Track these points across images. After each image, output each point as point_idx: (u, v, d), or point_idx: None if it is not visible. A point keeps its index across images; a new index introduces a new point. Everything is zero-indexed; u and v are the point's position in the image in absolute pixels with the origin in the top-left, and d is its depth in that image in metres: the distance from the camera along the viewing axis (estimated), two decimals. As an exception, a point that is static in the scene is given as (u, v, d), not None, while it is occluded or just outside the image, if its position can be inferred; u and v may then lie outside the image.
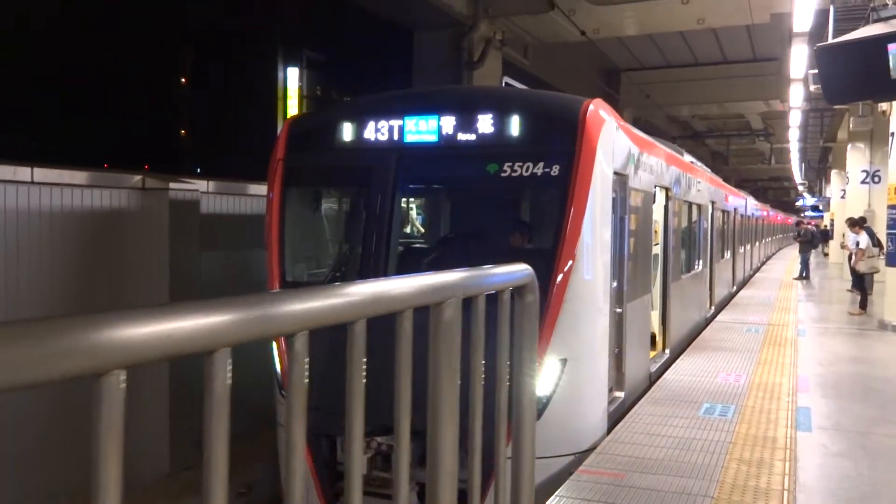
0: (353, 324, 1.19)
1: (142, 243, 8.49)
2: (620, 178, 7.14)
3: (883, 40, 6.00)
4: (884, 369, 9.16)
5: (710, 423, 6.65)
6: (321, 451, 6.56)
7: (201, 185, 9.36)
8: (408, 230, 7.79)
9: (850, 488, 5.20)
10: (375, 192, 6.70)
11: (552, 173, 6.27)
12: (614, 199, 6.94)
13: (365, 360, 1.32)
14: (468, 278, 1.57)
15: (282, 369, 6.91)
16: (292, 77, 52.83)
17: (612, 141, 6.62)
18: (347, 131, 6.95)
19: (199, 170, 44.07)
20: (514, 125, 6.45)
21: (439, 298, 1.42)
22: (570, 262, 6.10)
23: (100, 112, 45.85)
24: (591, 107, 6.40)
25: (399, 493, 1.97)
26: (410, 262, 6.81)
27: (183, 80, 58.13)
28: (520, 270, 1.84)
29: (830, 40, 6.62)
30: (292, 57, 52.96)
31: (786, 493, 4.97)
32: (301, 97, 52.62)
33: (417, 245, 7.80)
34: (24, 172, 7.41)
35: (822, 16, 10.79)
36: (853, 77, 6.17)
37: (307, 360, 1.06)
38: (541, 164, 6.29)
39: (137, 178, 8.63)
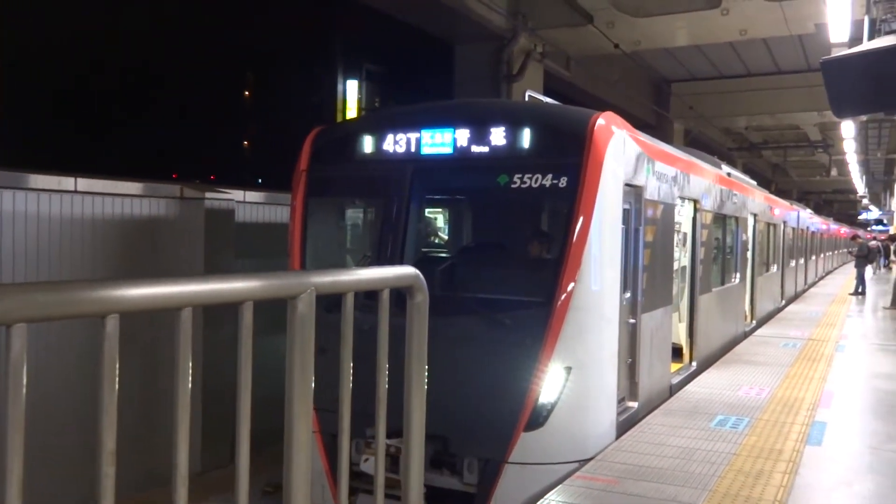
0: (179, 311, 1.40)
1: (179, 250, 8.92)
2: (635, 190, 7.21)
3: (894, 52, 5.98)
4: (915, 386, 8.95)
5: (719, 435, 6.66)
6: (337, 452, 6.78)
7: (237, 194, 9.77)
8: (425, 240, 7.99)
9: (845, 500, 5.17)
10: (392, 202, 6.95)
11: (560, 185, 6.40)
12: (627, 211, 7.03)
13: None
14: (329, 274, 1.74)
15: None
16: (351, 89, 53.80)
17: (622, 153, 6.71)
18: (367, 143, 7.22)
19: (259, 180, 45.28)
20: (525, 138, 6.61)
21: (292, 293, 1.61)
22: (576, 272, 6.21)
23: (168, 126, 47.55)
24: (601, 120, 6.51)
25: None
26: (424, 271, 7.03)
27: (246, 93, 59.86)
28: (400, 271, 2.01)
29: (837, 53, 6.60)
30: (352, 69, 53.95)
31: (776, 503, 4.99)
32: (360, 109, 53.51)
33: (433, 254, 8.00)
34: (67, 182, 7.90)
35: (860, 25, 10.63)
36: (862, 89, 6.14)
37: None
38: (549, 176, 6.43)
39: (175, 187, 9.07)
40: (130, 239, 8.54)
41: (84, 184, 8.03)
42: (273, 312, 1.71)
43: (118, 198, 8.41)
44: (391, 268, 2.05)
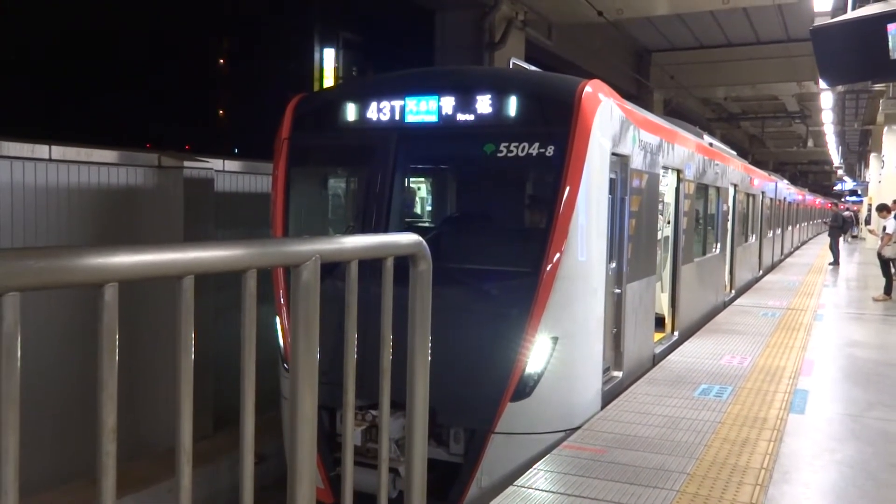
0: (180, 279, 1.32)
1: (157, 221, 8.73)
2: (621, 160, 7.16)
3: (883, 19, 5.92)
4: (893, 354, 9.07)
5: (703, 404, 6.70)
6: (322, 423, 6.73)
7: (216, 163, 9.58)
8: (409, 209, 7.90)
9: (829, 467, 5.22)
10: (376, 171, 6.84)
11: (547, 154, 6.33)
12: (613, 180, 6.98)
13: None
14: (333, 241, 1.67)
15: (284, 344, 7.12)
16: (328, 58, 53.08)
17: (609, 121, 6.65)
18: (350, 111, 7.08)
19: (235, 150, 44.67)
20: (511, 106, 6.51)
21: (297, 260, 1.53)
22: (563, 242, 6.16)
23: (141, 95, 46.67)
24: (588, 88, 6.43)
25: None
26: None
27: (221, 60, 58.85)
28: (404, 239, 1.94)
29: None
30: (328, 38, 53.21)
31: (763, 471, 5.02)
32: (337, 78, 52.81)
33: (418, 224, 7.92)
34: (41, 150, 7.67)
35: (844, -5, 10.58)
36: (852, 58, 6.09)
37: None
38: (536, 145, 6.35)
39: (153, 156, 8.87)
40: (107, 209, 8.34)
41: (59, 152, 7.81)
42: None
43: (94, 166, 8.19)
44: (394, 235, 1.97)
